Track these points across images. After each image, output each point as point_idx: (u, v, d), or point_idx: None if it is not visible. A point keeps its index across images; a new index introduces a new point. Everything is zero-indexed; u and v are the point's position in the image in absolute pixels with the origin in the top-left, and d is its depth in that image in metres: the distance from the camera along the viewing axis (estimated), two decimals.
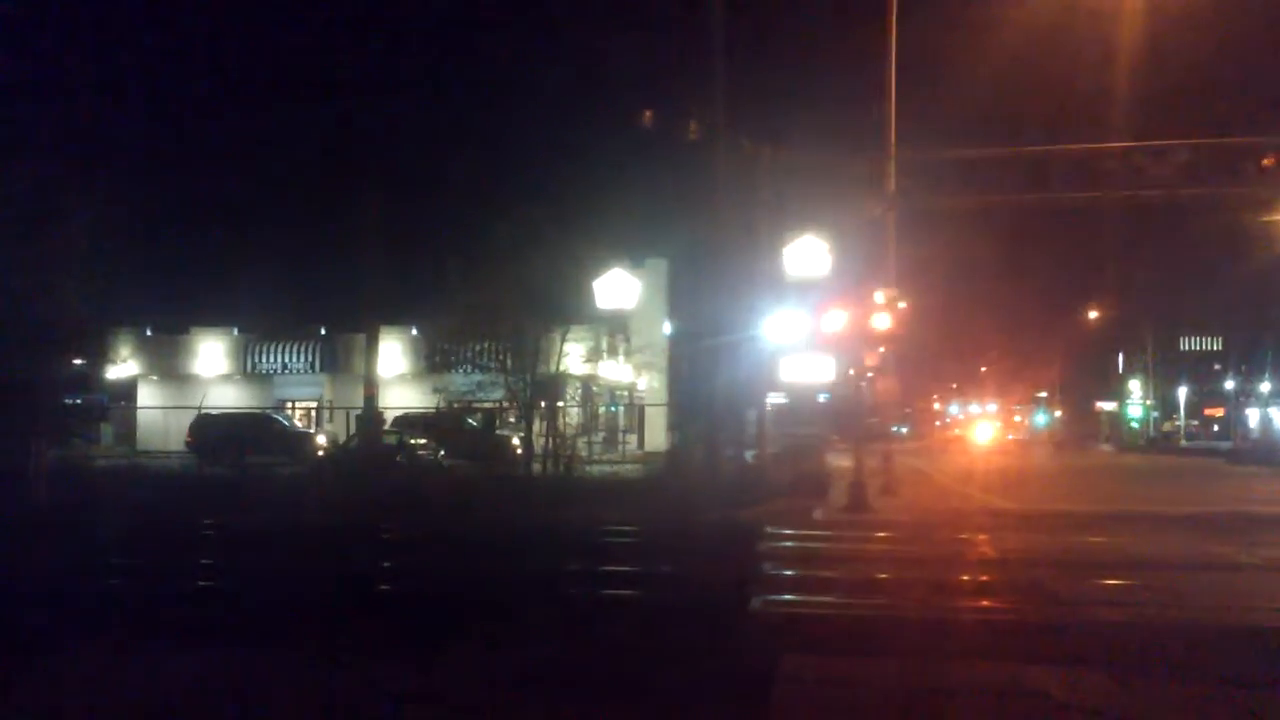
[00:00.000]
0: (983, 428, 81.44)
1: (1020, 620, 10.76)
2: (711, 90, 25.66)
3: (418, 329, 39.24)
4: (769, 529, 17.54)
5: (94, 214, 21.85)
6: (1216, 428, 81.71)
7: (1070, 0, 29.27)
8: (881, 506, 22.40)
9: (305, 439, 33.79)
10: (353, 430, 32.24)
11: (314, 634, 9.52)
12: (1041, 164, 26.15)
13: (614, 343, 36.61)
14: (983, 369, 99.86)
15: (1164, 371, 76.63)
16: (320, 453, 32.15)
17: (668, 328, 33.44)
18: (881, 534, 18.03)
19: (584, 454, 29.46)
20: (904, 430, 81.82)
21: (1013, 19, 29.08)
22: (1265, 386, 69.65)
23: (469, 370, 30.03)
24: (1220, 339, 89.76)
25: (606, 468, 29.87)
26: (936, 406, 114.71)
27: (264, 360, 43.93)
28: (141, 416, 42.35)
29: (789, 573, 13.99)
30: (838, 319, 24.21)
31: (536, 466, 26.28)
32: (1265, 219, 29.96)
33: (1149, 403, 73.62)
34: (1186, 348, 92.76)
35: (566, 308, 27.14)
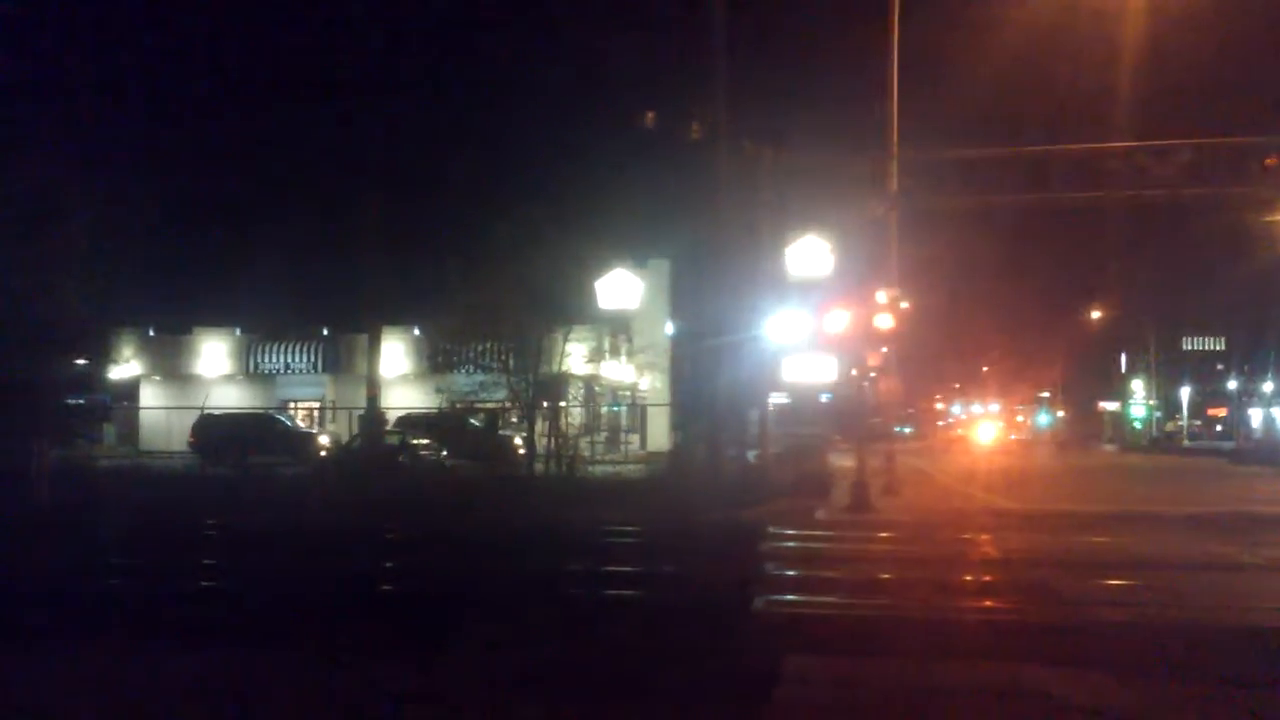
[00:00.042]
0: (985, 428, 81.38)
1: (1022, 620, 10.74)
2: (713, 90, 25.66)
3: (420, 329, 39.22)
4: (771, 529, 17.52)
5: (95, 214, 21.90)
6: (1219, 428, 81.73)
7: (1072, 0, 29.29)
8: (884, 506, 22.39)
9: (308, 439, 33.81)
10: (355, 430, 32.25)
11: (316, 634, 9.52)
12: (1044, 164, 26.10)
13: (616, 343, 36.59)
14: (985, 369, 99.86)
15: (1166, 371, 76.63)
16: (323, 453, 32.17)
17: (670, 328, 33.45)
18: (884, 534, 18.02)
19: (586, 454, 29.48)
20: (906, 430, 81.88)
21: (1014, 18, 29.11)
22: (1268, 386, 69.57)
23: (471, 370, 30.01)
24: (1223, 339, 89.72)
25: (609, 468, 29.84)
26: (939, 406, 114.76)
27: (266, 360, 43.95)
28: (144, 417, 42.39)
29: (791, 573, 13.97)
30: (840, 319, 24.22)
31: (539, 467, 26.27)
32: (1268, 219, 29.88)
33: (1152, 403, 73.58)
34: (1189, 347, 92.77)
35: (569, 308, 27.12)
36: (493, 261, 25.84)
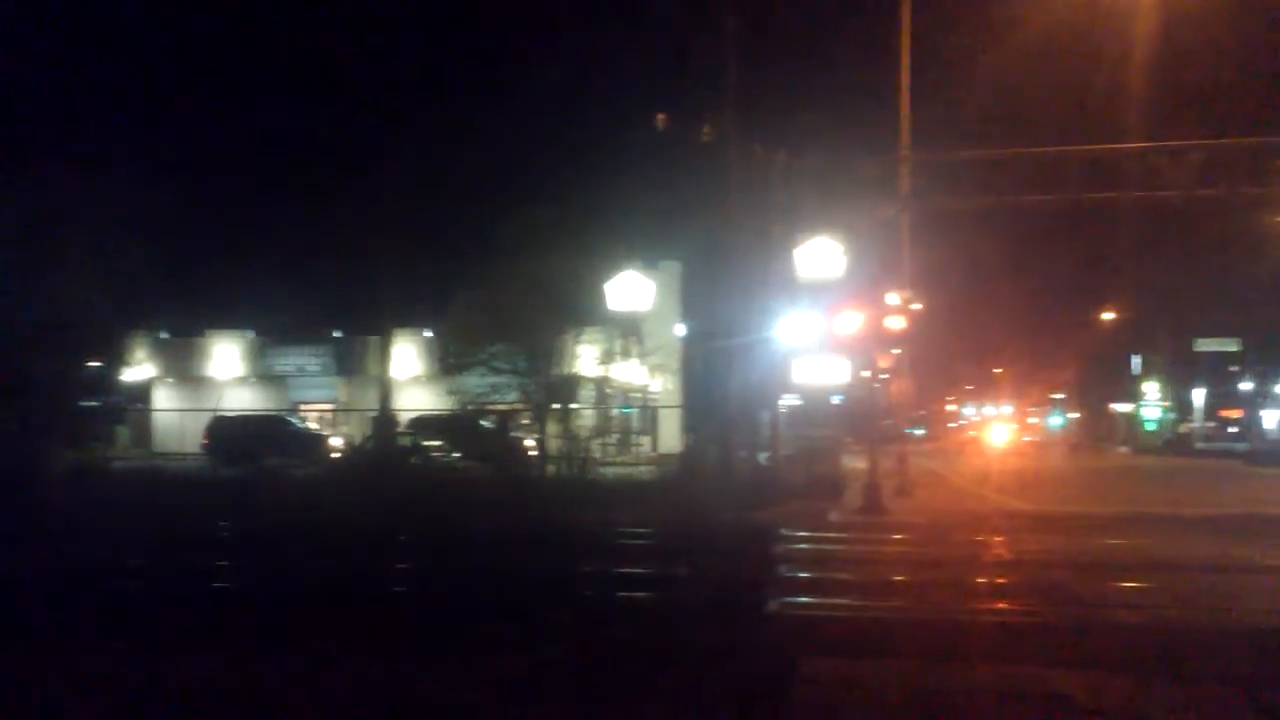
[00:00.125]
0: (998, 429, 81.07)
1: (1040, 623, 10.67)
2: (724, 92, 25.65)
3: (431, 331, 39.29)
4: (784, 531, 17.49)
5: (107, 216, 21.95)
6: (1233, 429, 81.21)
7: (1086, 0, 29.18)
8: (897, 508, 22.33)
9: (320, 441, 33.92)
10: (367, 432, 32.31)
11: (328, 635, 9.52)
12: (1057, 165, 25.99)
13: (628, 345, 36.50)
14: (997, 370, 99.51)
15: (1180, 373, 76.21)
16: (335, 455, 32.26)
17: (681, 330, 33.44)
18: (897, 536, 17.97)
19: (598, 456, 29.43)
20: (919, 432, 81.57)
21: (1028, 19, 29.01)
22: None
23: (483, 372, 30.02)
24: (1237, 340, 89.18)
25: (620, 470, 29.80)
26: (951, 408, 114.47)
27: (279, 363, 44.09)
28: (157, 419, 42.59)
29: (805, 574, 13.92)
30: (851, 321, 24.13)
31: (550, 468, 26.25)
32: None
33: (1165, 404, 73.21)
34: (1203, 349, 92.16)
35: (580, 310, 27.11)
36: (504, 264, 25.86)
